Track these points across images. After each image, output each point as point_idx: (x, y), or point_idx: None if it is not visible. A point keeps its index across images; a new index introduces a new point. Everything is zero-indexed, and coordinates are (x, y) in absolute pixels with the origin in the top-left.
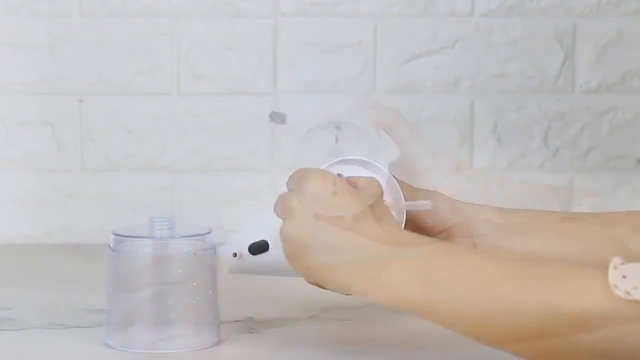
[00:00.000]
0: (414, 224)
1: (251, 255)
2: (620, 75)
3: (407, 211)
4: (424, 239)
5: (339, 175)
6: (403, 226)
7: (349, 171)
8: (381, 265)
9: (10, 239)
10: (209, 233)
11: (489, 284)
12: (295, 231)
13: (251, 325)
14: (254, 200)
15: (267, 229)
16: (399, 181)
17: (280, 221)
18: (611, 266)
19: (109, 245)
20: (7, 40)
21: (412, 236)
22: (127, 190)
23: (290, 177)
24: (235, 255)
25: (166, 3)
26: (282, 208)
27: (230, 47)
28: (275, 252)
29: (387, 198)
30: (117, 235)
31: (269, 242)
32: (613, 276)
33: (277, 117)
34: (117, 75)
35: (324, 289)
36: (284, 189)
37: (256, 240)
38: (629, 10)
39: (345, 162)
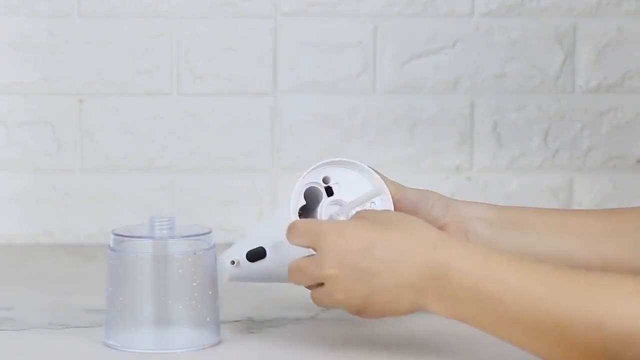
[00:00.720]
0: None
1: (249, 263)
2: (620, 75)
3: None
4: (452, 254)
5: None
6: None
7: (337, 173)
8: (432, 293)
9: (10, 239)
10: (208, 233)
11: (534, 299)
12: (345, 296)
13: (251, 325)
14: (254, 200)
15: (264, 236)
16: (388, 181)
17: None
18: None
19: (109, 245)
20: (7, 40)
21: (458, 245)
22: (127, 190)
23: (297, 232)
24: (233, 263)
25: (166, 3)
26: (312, 277)
27: (230, 47)
28: (272, 258)
29: (377, 201)
30: (117, 235)
31: (266, 249)
32: None
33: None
34: (117, 75)
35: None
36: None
37: (253, 248)
38: (629, 10)
39: (332, 163)
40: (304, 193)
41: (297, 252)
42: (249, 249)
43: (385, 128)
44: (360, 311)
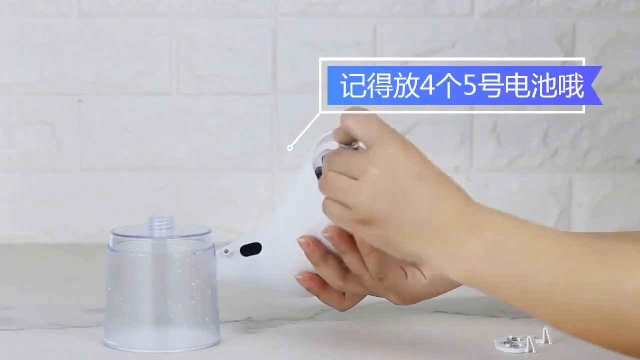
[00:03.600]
0: None
1: (242, 257)
2: (620, 75)
3: None
4: (495, 211)
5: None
6: None
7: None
8: (457, 240)
9: (10, 238)
10: (208, 233)
11: (553, 260)
12: (368, 200)
13: (250, 325)
14: (254, 200)
15: (262, 232)
16: None
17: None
18: None
19: (109, 245)
20: (7, 40)
21: (483, 207)
22: (126, 190)
23: (360, 122)
24: (226, 251)
25: (166, 3)
26: (351, 164)
27: (230, 47)
28: (267, 254)
29: None
30: (116, 235)
31: (261, 245)
32: None
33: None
34: (116, 75)
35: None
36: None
37: (249, 242)
38: (629, 10)
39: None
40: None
41: (294, 253)
42: (244, 244)
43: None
44: (368, 222)
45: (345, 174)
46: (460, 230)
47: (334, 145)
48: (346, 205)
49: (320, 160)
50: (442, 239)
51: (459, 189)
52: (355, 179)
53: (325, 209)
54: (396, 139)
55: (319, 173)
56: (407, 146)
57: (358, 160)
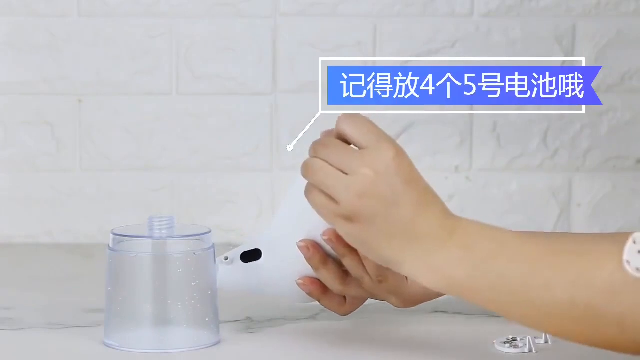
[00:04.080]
0: None
1: (242, 263)
2: (620, 76)
3: None
4: (472, 221)
5: None
6: None
7: None
8: (433, 248)
9: (10, 238)
10: (208, 233)
11: (525, 260)
12: (355, 196)
13: (250, 325)
14: (254, 200)
15: (262, 238)
16: None
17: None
18: (630, 240)
19: (108, 245)
20: (7, 40)
21: (462, 219)
22: (126, 190)
23: (357, 123)
24: (226, 258)
25: (166, 3)
26: (345, 158)
27: (230, 47)
28: (267, 260)
29: None
30: (116, 235)
31: (262, 251)
32: (628, 251)
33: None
34: (116, 75)
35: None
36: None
37: (249, 249)
38: (629, 11)
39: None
40: None
41: (294, 257)
42: (244, 250)
43: (385, 128)
44: (351, 219)
45: (334, 166)
46: (438, 239)
47: None
48: (331, 198)
49: None
50: (419, 246)
51: (441, 202)
52: (344, 173)
53: (307, 194)
54: (391, 145)
55: None
56: (400, 153)
57: (351, 157)
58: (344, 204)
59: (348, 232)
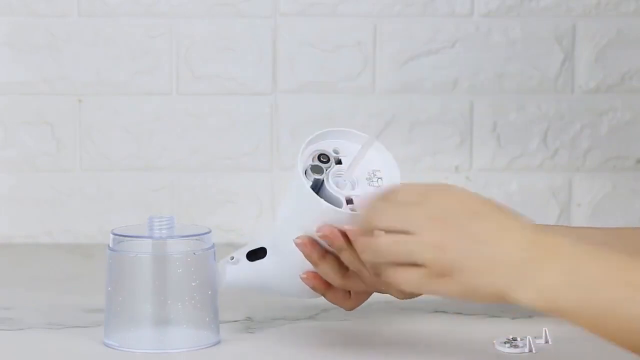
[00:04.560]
0: None
1: (248, 262)
2: (620, 76)
3: None
4: (564, 237)
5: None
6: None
7: (331, 143)
8: (533, 270)
9: (10, 238)
10: (208, 233)
11: (633, 285)
12: (434, 250)
13: (250, 325)
14: (254, 200)
15: (266, 236)
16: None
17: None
18: None
19: (108, 245)
20: (7, 40)
21: (550, 234)
22: (126, 190)
23: (403, 190)
24: (232, 259)
25: (166, 3)
26: (408, 217)
27: (230, 47)
28: (272, 259)
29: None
30: (116, 235)
31: (267, 249)
32: None
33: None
34: (116, 75)
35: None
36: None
37: (255, 248)
38: (629, 11)
39: (327, 135)
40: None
41: (297, 254)
42: (250, 249)
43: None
44: (443, 274)
45: (397, 231)
46: (534, 260)
47: (321, 145)
48: (414, 265)
49: (311, 160)
50: (518, 271)
51: (520, 216)
52: (409, 234)
53: (390, 278)
54: (439, 188)
55: (313, 177)
56: (453, 190)
57: (408, 214)
58: (431, 264)
59: (449, 290)
